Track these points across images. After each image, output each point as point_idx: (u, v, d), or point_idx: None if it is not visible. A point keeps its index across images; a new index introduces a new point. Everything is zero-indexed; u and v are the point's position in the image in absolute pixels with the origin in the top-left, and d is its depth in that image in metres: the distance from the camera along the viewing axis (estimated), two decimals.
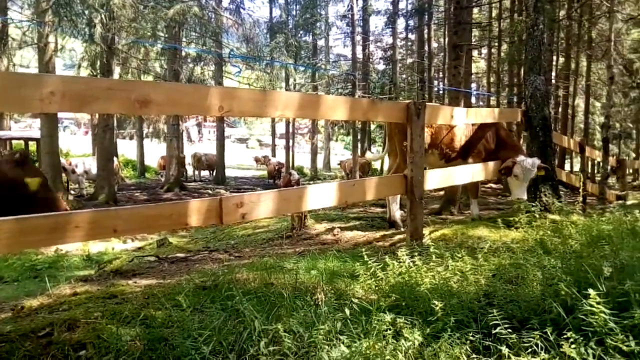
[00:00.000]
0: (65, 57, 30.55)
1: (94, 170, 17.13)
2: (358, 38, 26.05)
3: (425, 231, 4.69)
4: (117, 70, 15.82)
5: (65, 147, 27.31)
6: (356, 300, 2.31)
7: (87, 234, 2.52)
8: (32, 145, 19.57)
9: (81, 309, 2.66)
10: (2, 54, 13.37)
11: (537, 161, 5.49)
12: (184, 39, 20.49)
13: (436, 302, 2.13)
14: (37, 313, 2.81)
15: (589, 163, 15.73)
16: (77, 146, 32.58)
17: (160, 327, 2.23)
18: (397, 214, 6.08)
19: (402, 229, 5.70)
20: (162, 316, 2.37)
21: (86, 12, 12.76)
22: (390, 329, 2.00)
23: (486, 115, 5.81)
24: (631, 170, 21.39)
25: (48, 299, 3.32)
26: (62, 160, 16.72)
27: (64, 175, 16.44)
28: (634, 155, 28.97)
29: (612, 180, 15.05)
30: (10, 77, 2.44)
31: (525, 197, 5.52)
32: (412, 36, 30.86)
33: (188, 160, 25.89)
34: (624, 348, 1.70)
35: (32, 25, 14.46)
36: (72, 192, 17.61)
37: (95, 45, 13.59)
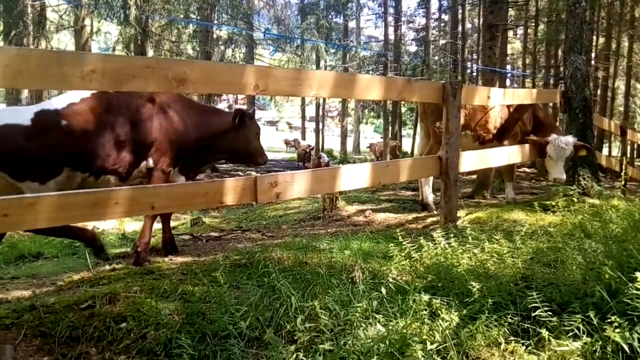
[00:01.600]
0: (100, 40, 31.04)
1: None
2: (390, 19, 25.64)
3: (459, 214, 4.63)
4: (150, 53, 16.02)
5: None
6: (391, 280, 2.30)
7: (126, 210, 2.57)
8: None
9: (121, 283, 2.73)
10: (40, 37, 13.65)
11: (571, 139, 5.31)
12: (215, 21, 20.56)
13: (473, 284, 2.10)
14: (79, 287, 2.91)
15: (629, 147, 15.23)
16: None
17: (197, 302, 2.27)
18: (430, 196, 6.01)
19: (435, 212, 5.64)
20: (200, 292, 2.41)
21: None
22: (426, 309, 1.98)
23: (524, 96, 5.65)
24: None
25: (88, 273, 3.42)
26: None
27: None
28: None
29: None
30: (51, 54, 2.49)
31: (563, 177, 5.36)
32: (445, 17, 30.20)
33: None
34: None
35: (69, 8, 14.72)
36: None
37: (130, 27, 13.76)
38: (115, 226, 8.54)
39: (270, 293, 2.28)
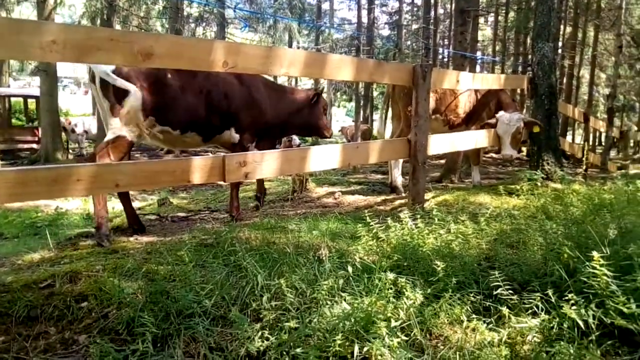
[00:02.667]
0: (64, 14, 29.98)
1: (94, 129, 17.04)
2: (363, 1, 25.49)
3: (427, 196, 4.69)
4: (117, 28, 15.52)
5: (64, 106, 27.09)
6: (358, 259, 2.31)
7: (89, 187, 2.50)
8: (32, 104, 19.42)
9: (83, 262, 2.67)
10: (0, 8, 13.08)
11: (516, 116, 5.43)
12: None
13: (438, 263, 2.14)
14: (39, 266, 2.83)
15: (592, 134, 15.66)
16: (77, 106, 32.33)
17: (162, 280, 2.24)
18: (398, 179, 6.07)
19: (404, 195, 5.70)
20: (164, 271, 2.38)
21: None
22: (392, 288, 2.01)
23: (492, 81, 5.73)
24: (633, 142, 21.32)
25: (49, 253, 3.34)
26: (62, 119, 16.63)
27: (63, 134, 16.37)
28: (635, 128, 28.83)
29: (613, 152, 15.01)
30: (10, 22, 2.38)
31: (510, 152, 5.47)
32: (418, 1, 30.22)
33: None
34: (625, 310, 1.71)
35: None
36: (72, 151, 17.57)
37: (96, 1, 13.30)
38: (79, 206, 8.35)
39: (237, 272, 2.27)
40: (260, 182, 5.46)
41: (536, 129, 5.39)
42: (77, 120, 18.36)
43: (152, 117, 3.92)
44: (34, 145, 16.47)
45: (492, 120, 5.50)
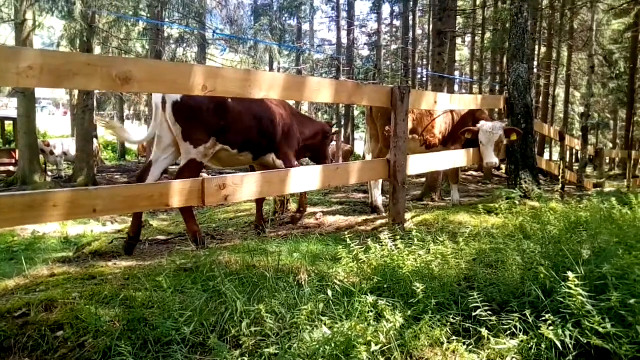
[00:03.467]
0: (43, 35, 29.81)
1: (72, 151, 16.84)
2: (343, 23, 25.91)
3: (407, 216, 4.72)
4: (97, 50, 15.48)
5: (43, 127, 26.79)
6: (338, 282, 2.31)
7: (65, 213, 2.47)
8: (9, 126, 19.16)
9: (59, 289, 2.61)
10: None
11: (498, 124, 5.60)
12: (166, 20, 20.12)
13: (418, 285, 2.14)
14: (13, 294, 2.76)
15: (568, 152, 15.98)
16: (55, 127, 31.98)
17: (140, 307, 2.20)
18: (379, 199, 6.11)
19: (384, 214, 5.73)
20: (143, 297, 2.34)
21: None
22: (372, 311, 2.01)
23: (469, 101, 5.83)
24: (608, 160, 21.79)
25: (24, 280, 3.26)
26: (40, 141, 16.42)
27: (41, 156, 16.14)
28: (610, 145, 29.53)
29: (589, 169, 15.32)
30: None
31: (494, 160, 5.59)
32: (397, 22, 30.81)
33: None
34: (601, 330, 1.73)
35: (9, 0, 14.04)
36: (50, 173, 17.31)
37: (75, 23, 13.26)
38: (57, 230, 8.20)
39: (216, 297, 2.25)
40: (302, 195, 5.68)
41: (514, 136, 5.52)
42: (55, 142, 18.13)
43: (214, 138, 4.35)
44: (11, 168, 16.19)
45: (475, 128, 5.62)
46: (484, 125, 5.60)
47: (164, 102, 4.19)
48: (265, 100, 4.59)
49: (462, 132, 5.77)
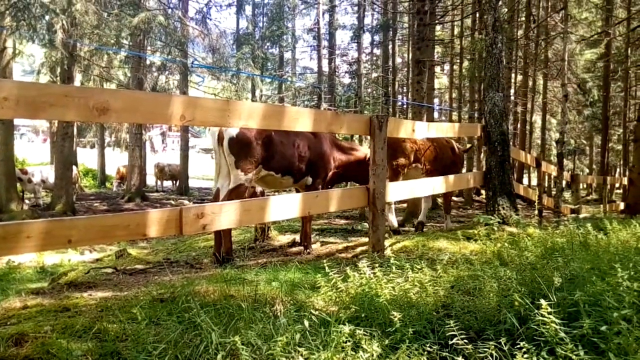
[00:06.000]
0: (24, 62, 29.70)
1: (51, 179, 16.60)
2: (324, 51, 26.29)
3: (387, 243, 4.73)
4: (78, 78, 15.42)
5: (21, 155, 26.41)
6: (316, 312, 2.30)
7: (39, 244, 2.43)
8: None
9: (31, 322, 2.56)
10: None
11: None
12: (148, 48, 20.20)
13: (395, 314, 2.14)
14: None
15: (545, 177, 16.25)
16: (34, 154, 31.57)
17: (113, 340, 2.16)
18: (394, 222, 6.55)
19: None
20: (116, 329, 2.30)
21: (46, 16, 12.41)
22: (349, 341, 1.99)
23: (447, 129, 5.94)
24: (585, 185, 22.21)
25: None
26: (17, 169, 16.16)
27: (19, 184, 15.87)
28: (587, 170, 30.13)
29: (566, 194, 15.58)
30: None
31: None
32: (377, 51, 31.35)
33: (150, 170, 25.45)
34: (574, 357, 1.75)
35: None
36: (28, 201, 17.00)
37: (56, 51, 13.22)
38: (33, 259, 8.02)
39: (192, 329, 2.22)
40: (306, 225, 5.81)
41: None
42: (34, 170, 17.87)
43: (261, 165, 5.03)
44: None
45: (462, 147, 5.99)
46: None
47: (221, 137, 4.91)
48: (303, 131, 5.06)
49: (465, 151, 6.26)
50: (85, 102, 2.51)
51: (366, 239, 5.68)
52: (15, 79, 14.48)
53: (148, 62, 20.48)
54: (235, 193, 4.83)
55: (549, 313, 1.85)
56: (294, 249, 5.71)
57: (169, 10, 19.35)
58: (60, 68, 14.86)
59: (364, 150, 6.31)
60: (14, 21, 12.19)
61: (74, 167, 17.95)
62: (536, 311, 1.94)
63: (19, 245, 2.37)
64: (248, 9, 29.18)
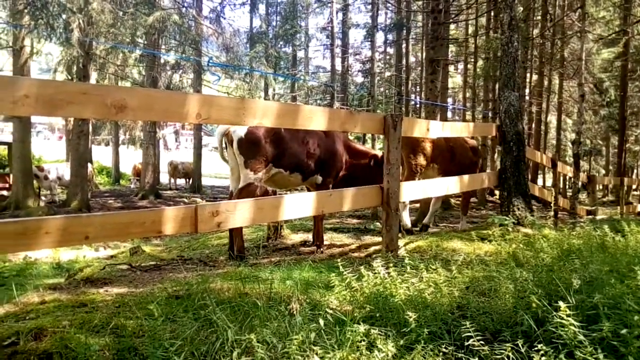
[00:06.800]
0: (41, 61, 30.04)
1: (67, 176, 16.82)
2: (337, 50, 26.29)
3: (400, 242, 4.72)
4: (94, 76, 15.58)
5: (38, 152, 26.76)
6: (330, 311, 2.30)
7: (57, 240, 2.46)
8: (3, 150, 19.16)
9: (49, 317, 2.59)
10: None
11: None
12: (163, 46, 20.33)
13: (410, 314, 2.14)
14: (2, 322, 2.73)
15: (561, 178, 16.08)
16: (50, 152, 31.96)
17: (130, 336, 2.18)
18: (408, 221, 6.54)
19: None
20: (133, 325, 2.32)
21: (63, 15, 12.55)
22: (364, 340, 1.99)
23: (462, 129, 5.90)
24: (601, 186, 21.93)
25: (14, 307, 3.22)
26: (34, 166, 16.40)
27: (35, 181, 16.10)
28: (603, 171, 29.77)
29: (582, 195, 15.40)
30: None
31: None
32: (390, 50, 31.26)
33: (163, 168, 25.63)
34: None
35: (7, 27, 14.20)
36: (44, 198, 17.23)
37: (72, 50, 13.38)
38: (49, 255, 8.14)
39: (207, 326, 2.23)
40: (318, 225, 5.75)
41: None
42: (50, 167, 18.11)
43: (271, 163, 5.02)
44: (4, 192, 16.13)
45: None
46: None
47: (230, 138, 4.95)
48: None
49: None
50: (103, 100, 2.53)
51: (379, 239, 5.68)
52: (33, 77, 14.67)
53: (162, 61, 20.63)
54: (245, 192, 4.81)
55: (568, 315, 1.83)
56: (307, 249, 5.72)
57: (184, 9, 19.46)
58: (77, 66, 15.03)
59: (372, 153, 6.25)
60: (32, 20, 12.35)
61: (89, 165, 18.15)
62: (554, 313, 1.92)
63: (37, 241, 2.40)
64: (262, 8, 29.22)
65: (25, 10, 12.30)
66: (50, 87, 2.39)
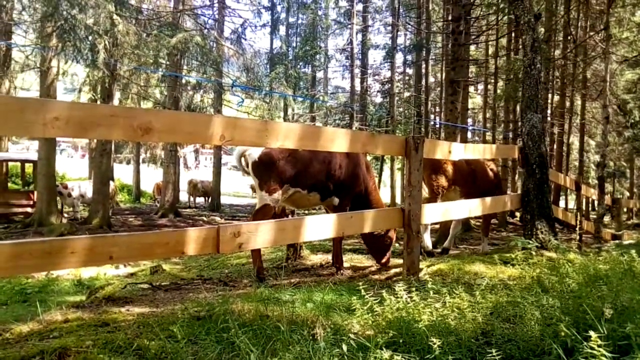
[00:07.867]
0: (66, 81, 30.76)
1: (89, 193, 17.08)
2: (357, 71, 26.47)
3: (422, 265, 4.66)
4: (117, 95, 15.94)
5: (62, 170, 27.28)
6: (353, 336, 2.27)
7: (82, 260, 2.49)
8: (29, 167, 19.55)
9: (72, 337, 2.61)
10: (4, 77, 13.48)
11: None
12: (184, 67, 20.70)
13: (434, 340, 2.10)
14: (27, 340, 2.76)
15: (584, 201, 15.80)
16: (74, 169, 32.52)
17: (153, 358, 2.19)
18: (429, 243, 6.50)
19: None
20: (156, 347, 2.32)
21: (90, 37, 12.90)
22: None
23: (484, 151, 5.86)
24: (625, 209, 21.49)
25: (38, 325, 3.26)
26: (57, 183, 16.70)
27: (58, 198, 16.38)
28: (627, 194, 29.19)
29: (607, 218, 15.10)
30: (13, 101, 2.45)
31: None
32: (409, 70, 31.31)
33: (183, 186, 25.89)
34: None
35: (36, 49, 14.63)
36: (66, 215, 17.50)
37: (98, 71, 13.71)
38: (70, 272, 8.22)
39: (229, 349, 2.22)
40: (337, 247, 5.67)
41: None
42: (73, 184, 18.43)
43: (288, 184, 4.96)
44: (29, 209, 16.43)
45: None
46: None
47: (246, 160, 4.99)
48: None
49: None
50: (130, 123, 2.58)
51: (399, 260, 5.62)
52: (63, 99, 15.04)
53: (184, 81, 20.98)
54: (261, 214, 4.77)
55: (599, 345, 1.78)
56: (326, 271, 5.69)
57: (206, 31, 19.82)
58: (101, 87, 15.39)
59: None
60: (59, 42, 12.71)
61: (111, 182, 18.42)
62: (584, 343, 1.87)
63: (63, 261, 2.43)
64: (282, 29, 29.69)
65: (54, 33, 12.66)
66: (81, 109, 2.45)
